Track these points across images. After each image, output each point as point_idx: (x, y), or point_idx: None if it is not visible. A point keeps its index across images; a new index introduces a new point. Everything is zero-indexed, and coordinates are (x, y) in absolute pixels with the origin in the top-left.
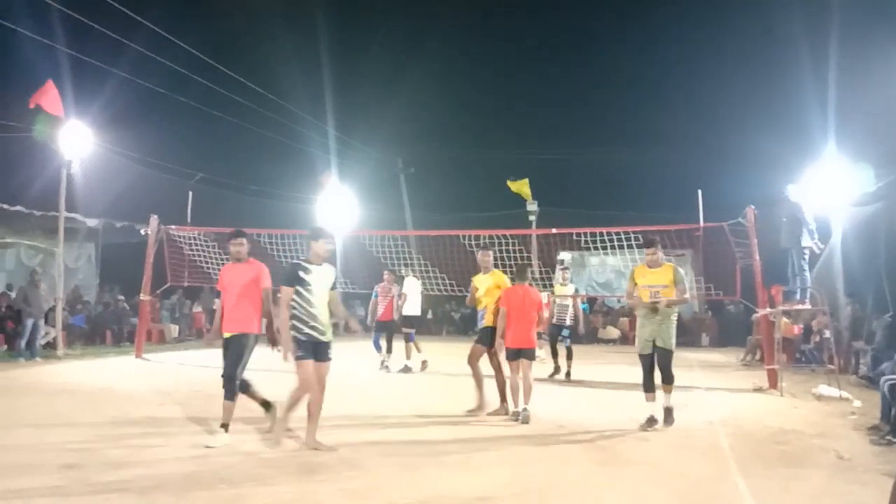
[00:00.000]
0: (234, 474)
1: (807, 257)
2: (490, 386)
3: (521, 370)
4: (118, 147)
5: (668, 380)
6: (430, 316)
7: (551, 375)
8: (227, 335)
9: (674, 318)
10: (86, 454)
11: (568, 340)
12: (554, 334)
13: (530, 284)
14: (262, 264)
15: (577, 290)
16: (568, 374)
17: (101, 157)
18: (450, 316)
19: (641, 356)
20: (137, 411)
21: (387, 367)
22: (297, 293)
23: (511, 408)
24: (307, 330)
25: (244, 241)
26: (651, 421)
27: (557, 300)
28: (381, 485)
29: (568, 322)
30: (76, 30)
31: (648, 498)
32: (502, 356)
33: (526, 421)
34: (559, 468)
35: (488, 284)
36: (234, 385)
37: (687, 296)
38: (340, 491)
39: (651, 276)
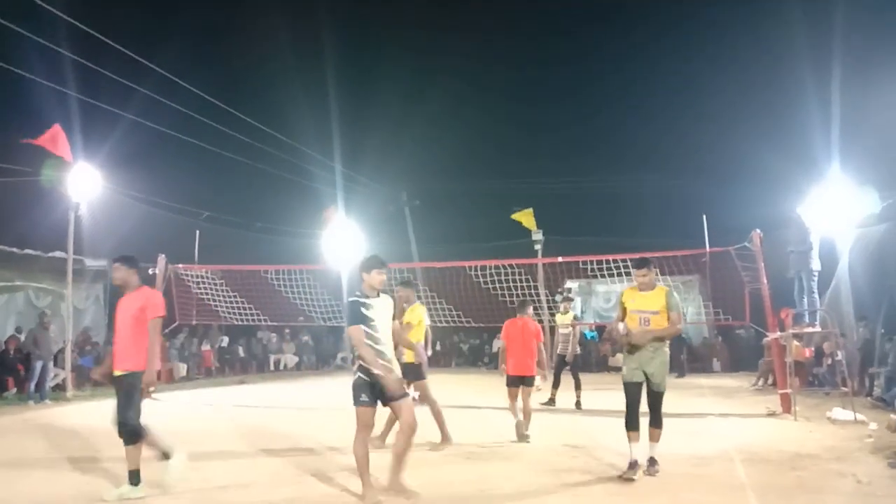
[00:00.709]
0: None
1: (815, 280)
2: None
3: (520, 396)
4: (125, 188)
5: (657, 422)
6: (438, 348)
7: (544, 404)
8: (115, 374)
9: (666, 349)
10: (98, 495)
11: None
12: (559, 364)
13: (531, 317)
14: (152, 292)
15: (575, 318)
16: (577, 403)
17: (108, 198)
18: (458, 347)
19: (628, 385)
20: (147, 451)
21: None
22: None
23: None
24: (376, 370)
25: (120, 265)
26: (633, 466)
27: (560, 329)
28: None
29: (570, 350)
30: (82, 74)
31: None
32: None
33: (523, 438)
34: (576, 501)
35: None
36: (130, 430)
37: (680, 326)
38: None
39: (641, 301)
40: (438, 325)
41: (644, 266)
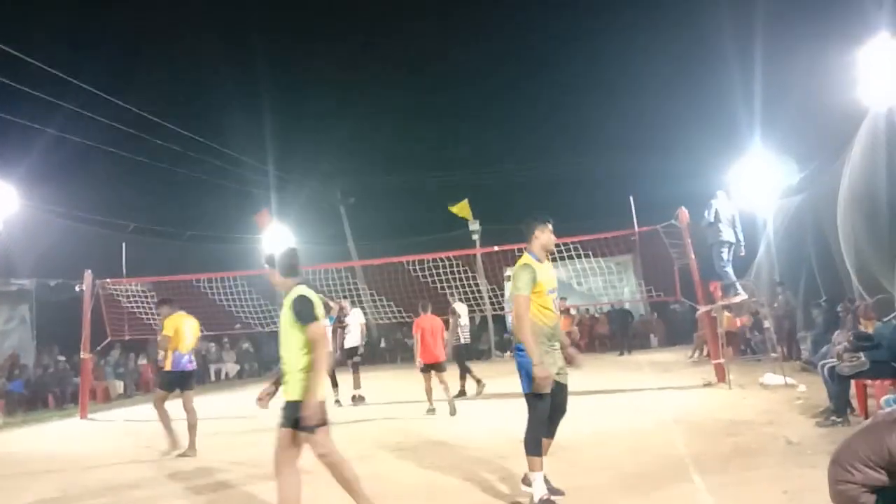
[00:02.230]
0: None
1: (725, 251)
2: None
3: (434, 378)
4: (45, 204)
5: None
6: (382, 345)
7: (455, 397)
8: None
9: None
10: None
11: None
12: (460, 354)
13: (432, 314)
14: None
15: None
16: (462, 391)
17: (27, 215)
18: (403, 343)
19: (554, 390)
20: (87, 476)
21: (338, 401)
22: None
23: (427, 406)
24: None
25: None
26: (555, 492)
27: (461, 321)
28: None
29: (462, 341)
30: None
31: None
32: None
33: (453, 412)
34: (518, 481)
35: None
36: None
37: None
38: None
39: (550, 276)
40: (380, 322)
41: (550, 221)
